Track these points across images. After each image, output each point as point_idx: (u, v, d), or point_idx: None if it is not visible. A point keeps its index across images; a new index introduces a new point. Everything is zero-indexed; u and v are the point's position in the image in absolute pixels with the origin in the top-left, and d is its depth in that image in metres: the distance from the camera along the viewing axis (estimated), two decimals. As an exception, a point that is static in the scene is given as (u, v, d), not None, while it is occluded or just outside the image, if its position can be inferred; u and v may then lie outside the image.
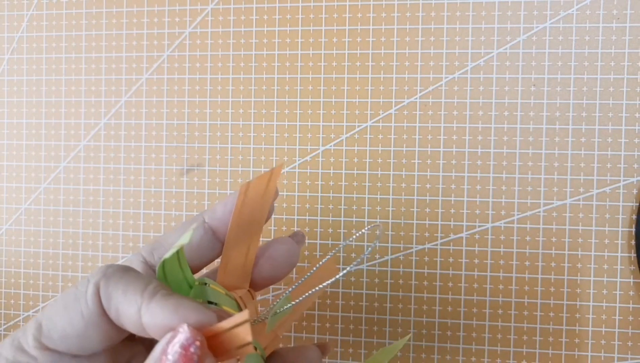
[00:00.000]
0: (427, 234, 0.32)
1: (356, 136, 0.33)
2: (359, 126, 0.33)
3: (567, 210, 0.31)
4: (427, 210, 0.32)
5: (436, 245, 0.32)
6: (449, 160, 0.32)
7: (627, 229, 0.30)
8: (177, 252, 0.20)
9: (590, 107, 0.31)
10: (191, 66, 0.34)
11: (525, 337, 0.31)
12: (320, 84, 0.33)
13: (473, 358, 0.32)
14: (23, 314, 0.36)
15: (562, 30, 0.31)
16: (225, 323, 0.17)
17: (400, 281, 0.32)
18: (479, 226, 0.32)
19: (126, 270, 0.19)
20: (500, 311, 0.31)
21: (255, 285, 0.23)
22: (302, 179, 0.33)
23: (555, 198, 0.31)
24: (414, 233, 0.32)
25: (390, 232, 0.32)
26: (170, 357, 0.16)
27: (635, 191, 0.30)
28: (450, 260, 0.32)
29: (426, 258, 0.32)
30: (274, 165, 0.33)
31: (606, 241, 0.31)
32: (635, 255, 0.30)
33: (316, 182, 0.33)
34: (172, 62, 0.34)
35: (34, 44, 0.36)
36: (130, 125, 0.35)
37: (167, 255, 0.19)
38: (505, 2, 0.31)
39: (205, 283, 0.21)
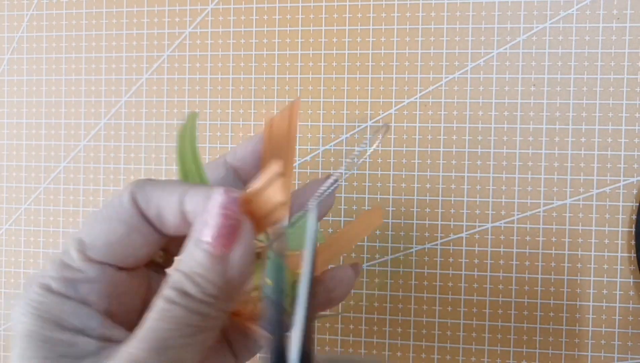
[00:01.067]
0: (427, 234, 0.32)
1: (356, 136, 0.33)
2: (359, 126, 0.33)
3: (567, 210, 0.31)
4: (427, 210, 0.32)
5: (436, 245, 0.32)
6: (449, 160, 0.32)
7: (627, 229, 0.30)
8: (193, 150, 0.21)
9: (590, 107, 0.31)
10: (191, 66, 0.34)
11: (525, 337, 0.31)
12: (320, 84, 0.33)
13: (473, 358, 0.32)
14: (23, 314, 0.36)
15: (562, 30, 0.31)
16: (259, 183, 0.17)
17: (400, 281, 0.32)
18: (479, 226, 0.32)
19: (155, 179, 0.20)
20: (500, 311, 0.31)
21: (327, 302, 0.24)
22: (302, 179, 0.33)
23: (555, 198, 0.31)
24: (414, 234, 0.32)
25: (390, 232, 0.32)
26: (211, 220, 0.17)
27: (635, 191, 0.30)
28: (450, 260, 0.32)
29: (426, 258, 0.32)
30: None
31: (606, 241, 0.31)
32: (635, 255, 0.30)
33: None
34: (172, 62, 0.34)
35: (34, 44, 0.36)
36: (130, 125, 0.35)
37: (180, 143, 0.20)
38: (505, 2, 0.31)
39: None
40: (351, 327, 0.33)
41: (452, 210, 0.32)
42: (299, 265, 0.21)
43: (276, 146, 0.22)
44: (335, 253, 0.24)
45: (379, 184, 0.32)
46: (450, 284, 0.32)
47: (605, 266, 0.31)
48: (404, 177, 0.32)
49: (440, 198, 0.32)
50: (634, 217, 0.30)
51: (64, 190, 0.36)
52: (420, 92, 0.32)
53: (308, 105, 0.33)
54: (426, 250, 0.32)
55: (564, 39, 0.31)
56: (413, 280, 0.32)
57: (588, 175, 0.31)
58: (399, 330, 0.32)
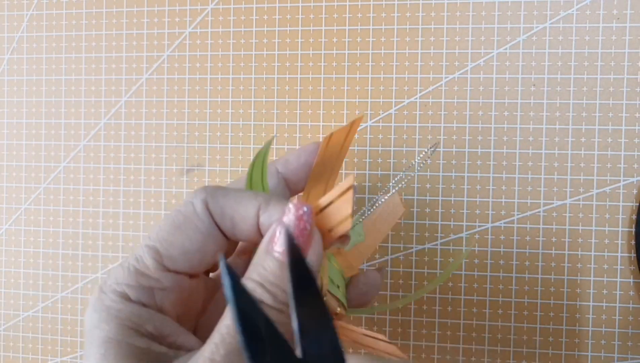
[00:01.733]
0: (427, 234, 0.32)
1: (356, 136, 0.33)
2: (359, 126, 0.33)
3: (567, 210, 0.31)
4: (427, 210, 0.32)
5: (436, 245, 0.32)
6: (449, 160, 0.32)
7: (627, 229, 0.30)
8: (262, 162, 0.22)
9: (590, 107, 0.31)
10: (191, 66, 0.34)
11: (525, 337, 0.31)
12: (320, 84, 0.33)
13: (473, 358, 0.32)
14: (23, 314, 0.36)
15: (562, 30, 0.31)
16: (332, 194, 0.19)
17: (400, 281, 0.32)
18: (479, 226, 0.32)
19: (224, 187, 0.20)
20: (500, 311, 0.31)
21: (357, 302, 0.26)
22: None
23: (555, 198, 0.31)
24: (414, 234, 0.32)
25: (390, 232, 0.32)
26: (289, 227, 0.18)
27: (635, 191, 0.30)
28: (450, 260, 0.32)
29: (426, 258, 0.32)
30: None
31: (606, 241, 0.31)
32: (635, 255, 0.30)
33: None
34: (172, 62, 0.34)
35: (34, 44, 0.36)
36: (130, 125, 0.35)
37: (255, 159, 0.22)
38: (505, 2, 0.31)
39: None
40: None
41: (452, 210, 0.32)
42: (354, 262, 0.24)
43: (328, 160, 0.23)
44: (362, 252, 0.25)
45: (378, 184, 0.32)
46: (450, 284, 0.32)
47: (605, 266, 0.31)
48: (403, 177, 0.32)
49: (440, 198, 0.32)
50: (634, 217, 0.30)
51: (64, 190, 0.36)
52: (420, 92, 0.32)
53: (308, 105, 0.33)
54: (426, 250, 0.32)
55: (564, 39, 0.31)
56: (413, 280, 0.32)
57: (588, 175, 0.31)
58: (399, 330, 0.32)
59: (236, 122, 0.34)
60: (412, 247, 0.32)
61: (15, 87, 0.36)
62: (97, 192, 0.35)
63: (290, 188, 0.24)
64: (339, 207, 0.19)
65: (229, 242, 0.20)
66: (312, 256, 0.18)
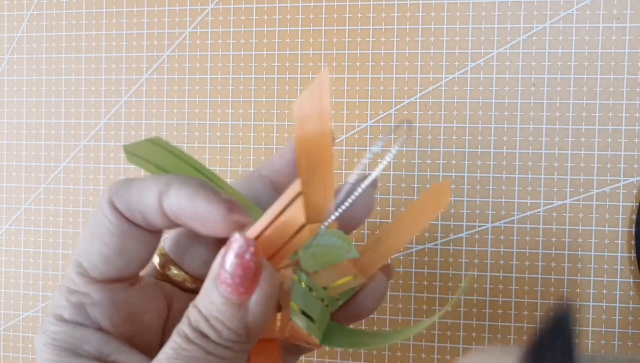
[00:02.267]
0: (427, 234, 0.32)
1: (356, 136, 0.33)
2: (358, 126, 0.33)
3: (567, 210, 0.31)
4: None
5: (436, 245, 0.32)
6: (449, 160, 0.32)
7: (627, 229, 0.30)
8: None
9: (590, 107, 0.31)
10: (191, 66, 0.34)
11: (525, 337, 0.31)
12: (320, 84, 0.33)
13: (473, 358, 0.32)
14: (23, 314, 0.36)
15: (562, 30, 0.31)
16: (277, 206, 0.17)
17: (401, 281, 0.32)
18: (479, 226, 0.32)
19: (130, 179, 0.19)
20: (500, 311, 0.31)
21: (355, 316, 0.22)
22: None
23: (555, 198, 0.31)
24: (414, 233, 0.32)
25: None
26: (227, 268, 0.16)
27: (635, 191, 0.30)
28: (450, 260, 0.32)
29: (426, 258, 0.32)
30: (274, 165, 0.33)
31: (606, 241, 0.31)
32: (635, 255, 0.30)
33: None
34: (172, 62, 0.34)
35: (34, 44, 0.36)
36: (130, 125, 0.35)
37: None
38: (505, 2, 0.31)
39: None
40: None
41: (452, 210, 0.32)
42: (329, 281, 0.20)
43: (311, 145, 0.20)
44: (401, 238, 0.21)
45: (378, 184, 0.32)
46: (450, 284, 0.32)
47: (605, 266, 0.31)
48: (403, 177, 0.32)
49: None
50: (634, 217, 0.30)
51: (64, 190, 0.36)
52: (420, 92, 0.32)
53: (308, 105, 0.33)
54: (426, 250, 0.32)
55: (564, 39, 0.31)
56: (413, 280, 0.32)
57: (588, 175, 0.31)
58: (399, 330, 0.32)
59: (236, 122, 0.34)
60: (412, 247, 0.32)
61: (15, 87, 0.36)
62: (97, 192, 0.35)
63: (279, 191, 0.21)
64: (291, 216, 0.17)
65: (159, 232, 0.19)
66: (259, 295, 0.17)
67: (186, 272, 0.21)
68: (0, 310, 0.37)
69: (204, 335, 0.16)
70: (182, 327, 0.17)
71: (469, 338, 0.32)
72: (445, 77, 0.32)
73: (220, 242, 0.18)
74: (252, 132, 0.34)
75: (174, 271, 0.21)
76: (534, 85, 0.31)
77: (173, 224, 0.18)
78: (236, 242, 0.16)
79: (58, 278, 0.36)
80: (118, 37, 0.35)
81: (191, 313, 0.17)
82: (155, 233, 0.19)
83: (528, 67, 0.31)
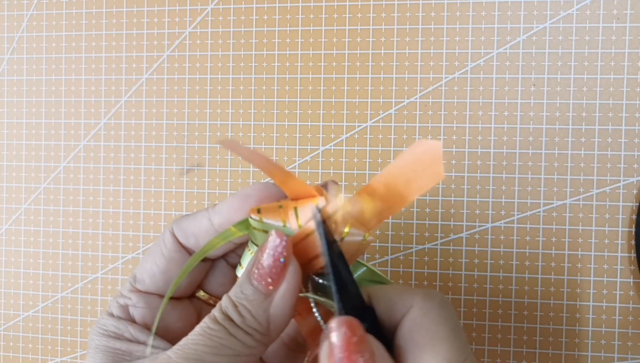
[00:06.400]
0: (427, 234, 0.32)
1: (356, 136, 0.33)
2: (359, 126, 0.33)
3: (567, 210, 0.31)
4: (427, 210, 0.32)
5: (436, 245, 0.32)
6: (449, 160, 0.32)
7: (627, 229, 0.30)
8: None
9: (590, 107, 0.31)
10: (191, 66, 0.34)
11: (525, 337, 0.31)
12: (320, 84, 0.33)
13: (473, 358, 0.32)
14: (23, 314, 0.36)
15: (562, 30, 0.31)
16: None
17: (400, 281, 0.32)
18: (479, 226, 0.32)
19: (191, 213, 0.23)
20: (500, 311, 0.31)
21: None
22: (302, 179, 0.33)
23: (555, 198, 0.31)
24: (414, 233, 0.32)
25: (390, 232, 0.32)
26: (265, 258, 0.19)
27: (635, 191, 0.30)
28: (450, 260, 0.32)
29: (426, 258, 0.32)
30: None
31: (606, 241, 0.31)
32: (635, 255, 0.30)
33: (316, 182, 0.33)
34: (172, 62, 0.34)
35: (34, 44, 0.36)
36: (130, 125, 0.35)
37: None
38: (505, 2, 0.31)
39: None
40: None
41: (452, 210, 0.32)
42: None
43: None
44: (382, 213, 0.20)
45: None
46: (450, 284, 0.32)
47: (605, 266, 0.31)
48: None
49: (440, 198, 0.32)
50: (634, 217, 0.30)
51: (64, 190, 0.36)
52: (420, 92, 0.32)
53: (308, 105, 0.33)
54: (426, 250, 0.32)
55: (564, 39, 0.31)
56: (413, 280, 0.32)
57: (588, 175, 0.31)
58: (399, 330, 0.32)
59: (236, 122, 0.34)
60: (412, 247, 0.32)
61: (15, 87, 0.36)
62: (97, 192, 0.35)
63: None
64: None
65: (206, 266, 0.24)
66: (284, 288, 0.19)
67: (209, 294, 0.25)
68: (0, 310, 0.37)
69: (230, 319, 0.19)
70: (214, 311, 0.20)
71: (469, 338, 0.32)
72: (445, 77, 0.32)
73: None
74: (252, 132, 0.34)
75: (201, 292, 0.25)
76: (534, 85, 0.31)
77: (222, 249, 0.22)
78: (272, 237, 0.19)
79: (58, 278, 0.36)
80: (118, 37, 0.35)
81: (223, 301, 0.20)
82: (202, 267, 0.23)
83: (528, 67, 0.31)
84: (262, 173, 0.33)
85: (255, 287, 0.19)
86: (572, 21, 0.31)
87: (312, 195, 0.20)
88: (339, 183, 0.33)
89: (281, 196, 0.22)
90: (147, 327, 0.23)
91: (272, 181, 0.22)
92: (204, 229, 0.22)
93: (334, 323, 0.17)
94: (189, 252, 0.23)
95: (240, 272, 0.22)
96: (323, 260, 0.20)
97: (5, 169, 0.36)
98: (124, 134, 0.35)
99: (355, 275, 0.22)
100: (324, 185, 0.22)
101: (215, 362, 0.19)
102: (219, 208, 0.22)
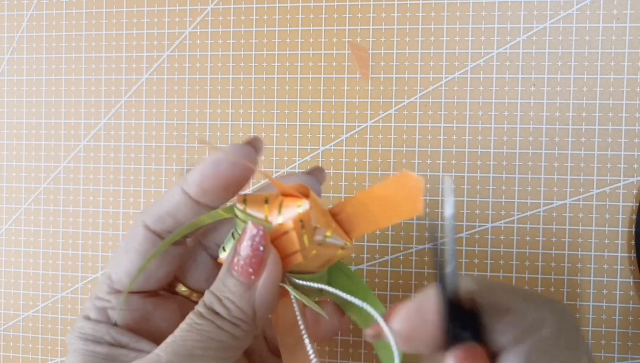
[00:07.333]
0: (427, 234, 0.32)
1: (356, 136, 0.33)
2: (359, 126, 0.33)
3: (567, 210, 0.31)
4: (427, 210, 0.32)
5: (436, 245, 0.32)
6: (449, 160, 0.32)
7: (627, 229, 0.30)
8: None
9: (590, 107, 0.31)
10: (191, 66, 0.34)
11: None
12: (320, 84, 0.33)
13: (473, 358, 0.32)
14: (23, 314, 0.36)
15: (562, 30, 0.31)
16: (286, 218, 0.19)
17: (400, 281, 0.32)
18: (479, 226, 0.32)
19: (154, 201, 0.22)
20: (500, 311, 0.31)
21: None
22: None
23: (555, 198, 0.31)
24: (414, 233, 0.32)
25: (390, 232, 0.32)
26: (240, 251, 0.19)
27: (635, 191, 0.30)
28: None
29: (426, 258, 0.32)
30: (274, 166, 0.33)
31: (606, 241, 0.31)
32: (635, 255, 0.30)
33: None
34: (172, 62, 0.34)
35: (34, 44, 0.36)
36: (130, 125, 0.35)
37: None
38: (505, 2, 0.31)
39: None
40: (351, 327, 0.33)
41: (452, 210, 0.32)
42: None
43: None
44: (368, 224, 0.21)
45: (379, 184, 0.32)
46: (450, 284, 0.32)
47: (605, 266, 0.31)
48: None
49: (440, 198, 0.32)
50: (634, 217, 0.30)
51: (64, 190, 0.36)
52: (420, 92, 0.32)
53: (308, 105, 0.33)
54: (426, 250, 0.32)
55: (564, 39, 0.31)
56: (413, 280, 0.32)
57: (588, 175, 0.31)
58: (399, 330, 0.32)
59: (236, 122, 0.34)
60: (412, 247, 0.32)
61: (15, 87, 0.36)
62: (97, 192, 0.35)
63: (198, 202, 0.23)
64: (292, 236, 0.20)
65: (175, 250, 0.22)
66: (266, 278, 0.19)
67: (191, 289, 0.24)
68: (0, 310, 0.37)
69: (215, 312, 0.19)
70: (197, 307, 0.20)
71: (469, 338, 0.32)
72: (445, 77, 0.32)
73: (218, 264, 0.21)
74: (252, 132, 0.34)
75: (182, 288, 0.24)
76: (534, 85, 0.31)
77: (202, 206, 0.21)
78: (249, 228, 0.19)
79: (58, 278, 0.36)
80: (118, 37, 0.35)
81: (206, 296, 0.20)
82: (176, 253, 0.22)
83: (528, 67, 0.31)
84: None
85: (237, 278, 0.19)
86: (572, 21, 0.31)
87: (298, 195, 0.20)
88: (326, 170, 0.33)
89: (252, 162, 0.21)
90: (129, 330, 0.22)
91: (242, 143, 0.22)
92: (181, 203, 0.21)
93: (457, 353, 0.16)
94: (162, 238, 0.22)
95: (223, 254, 0.22)
96: (341, 256, 0.20)
97: (5, 169, 0.36)
98: (124, 134, 0.35)
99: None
100: (311, 171, 0.23)
101: (205, 355, 0.19)
102: (192, 179, 0.21)
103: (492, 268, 0.31)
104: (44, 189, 0.36)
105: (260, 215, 0.20)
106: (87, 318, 0.22)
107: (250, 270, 0.19)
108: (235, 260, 0.19)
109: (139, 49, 0.35)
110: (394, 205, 0.20)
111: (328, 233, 0.20)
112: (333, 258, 0.21)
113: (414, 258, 0.32)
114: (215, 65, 0.34)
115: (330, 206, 0.21)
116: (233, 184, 0.21)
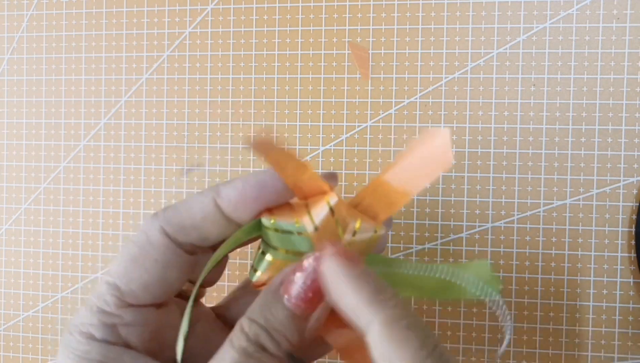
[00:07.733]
0: (427, 234, 0.32)
1: (356, 136, 0.33)
2: (359, 126, 0.33)
3: (567, 210, 0.31)
4: (427, 210, 0.32)
5: (436, 245, 0.32)
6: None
7: (627, 229, 0.30)
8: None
9: (590, 107, 0.31)
10: (191, 66, 0.34)
11: (525, 337, 0.31)
12: (320, 84, 0.33)
13: (473, 358, 0.32)
14: (23, 314, 0.36)
15: (562, 30, 0.31)
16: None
17: (400, 281, 0.32)
18: (479, 226, 0.32)
19: (172, 204, 0.19)
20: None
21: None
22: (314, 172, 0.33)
23: (555, 198, 0.31)
24: (414, 233, 0.32)
25: (390, 232, 0.32)
26: (300, 286, 0.18)
27: (635, 191, 0.30)
28: (451, 260, 0.32)
29: (426, 258, 0.32)
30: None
31: (606, 241, 0.31)
32: (635, 255, 0.30)
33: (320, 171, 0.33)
34: (172, 62, 0.34)
35: (34, 44, 0.36)
36: (130, 125, 0.35)
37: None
38: (505, 2, 0.31)
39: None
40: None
41: (452, 210, 0.32)
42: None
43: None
44: (401, 195, 0.20)
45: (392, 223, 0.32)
46: (450, 284, 0.32)
47: (605, 266, 0.31)
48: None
49: (440, 198, 0.32)
50: (634, 217, 0.30)
51: (64, 190, 0.36)
52: (420, 92, 0.32)
53: (308, 105, 0.33)
54: (426, 250, 0.32)
55: (564, 39, 0.31)
56: (413, 280, 0.32)
57: (588, 175, 0.31)
58: (399, 330, 0.32)
59: (236, 122, 0.34)
60: (412, 247, 0.32)
61: (15, 87, 0.36)
62: (97, 192, 0.35)
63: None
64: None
65: (192, 259, 0.20)
66: (322, 309, 0.18)
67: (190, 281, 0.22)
68: (0, 310, 0.37)
69: (264, 348, 0.17)
70: (239, 341, 0.17)
71: (469, 338, 0.32)
72: (445, 77, 0.32)
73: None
74: (252, 132, 0.34)
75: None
76: (534, 85, 0.31)
77: (228, 226, 0.19)
78: (309, 264, 0.18)
79: (58, 278, 0.36)
80: (118, 37, 0.35)
81: (247, 327, 0.17)
82: (192, 261, 0.20)
83: (528, 67, 0.31)
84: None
85: (292, 311, 0.17)
86: (572, 21, 0.31)
87: (322, 191, 0.19)
88: (325, 170, 0.33)
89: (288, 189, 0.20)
90: (147, 352, 0.19)
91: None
92: (210, 217, 0.19)
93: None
94: (186, 250, 0.19)
95: (255, 277, 0.20)
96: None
97: (5, 169, 0.36)
98: (124, 134, 0.35)
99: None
100: (328, 177, 0.21)
101: None
102: (228, 195, 0.19)
103: (492, 268, 0.31)
104: (44, 189, 0.36)
105: (291, 222, 0.19)
106: (91, 337, 0.18)
107: (311, 305, 0.17)
108: (294, 292, 0.17)
109: (139, 49, 0.35)
110: (423, 167, 0.19)
111: (357, 224, 0.20)
112: (367, 249, 0.21)
113: (414, 258, 0.32)
114: (215, 65, 0.34)
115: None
116: (267, 206, 0.19)
